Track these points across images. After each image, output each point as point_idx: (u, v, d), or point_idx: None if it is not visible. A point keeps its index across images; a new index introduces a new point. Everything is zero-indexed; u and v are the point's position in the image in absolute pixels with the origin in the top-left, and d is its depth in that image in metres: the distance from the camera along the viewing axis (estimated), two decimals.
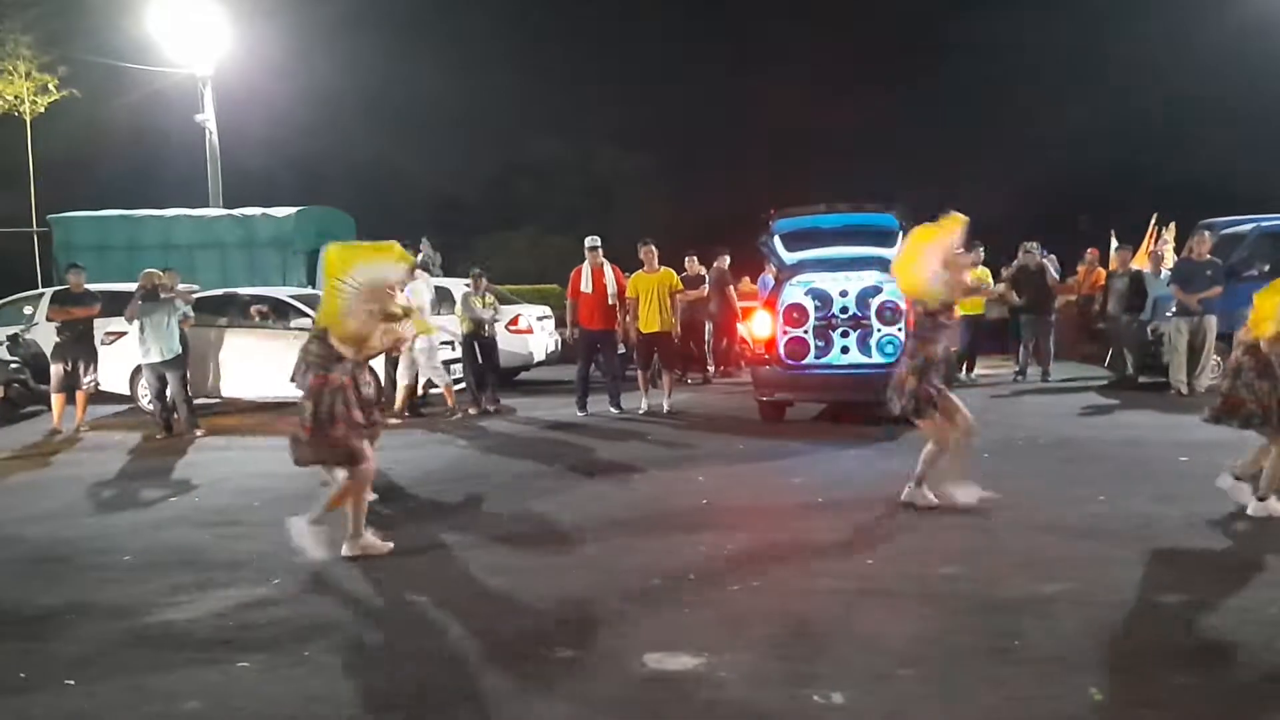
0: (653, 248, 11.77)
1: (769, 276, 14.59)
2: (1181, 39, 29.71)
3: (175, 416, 11.06)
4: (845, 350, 10.18)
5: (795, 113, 34.69)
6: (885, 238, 10.41)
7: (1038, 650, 4.37)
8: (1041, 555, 5.63)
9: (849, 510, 6.99)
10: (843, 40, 37.27)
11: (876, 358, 10.05)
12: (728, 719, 3.77)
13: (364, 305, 5.79)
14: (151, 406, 11.39)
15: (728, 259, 15.38)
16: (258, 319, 12.83)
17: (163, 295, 10.88)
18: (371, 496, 7.20)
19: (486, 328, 12.11)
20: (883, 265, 10.30)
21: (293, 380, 6.17)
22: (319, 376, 5.89)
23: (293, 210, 18.85)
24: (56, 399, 11.35)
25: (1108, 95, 33.45)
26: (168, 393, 10.99)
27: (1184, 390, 12.05)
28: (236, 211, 19.29)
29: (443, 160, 32.97)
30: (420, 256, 18.89)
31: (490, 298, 12.33)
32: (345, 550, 6.02)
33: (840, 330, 10.16)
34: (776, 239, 10.69)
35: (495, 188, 35.82)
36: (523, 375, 15.22)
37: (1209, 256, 12.13)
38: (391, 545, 6.16)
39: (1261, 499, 6.30)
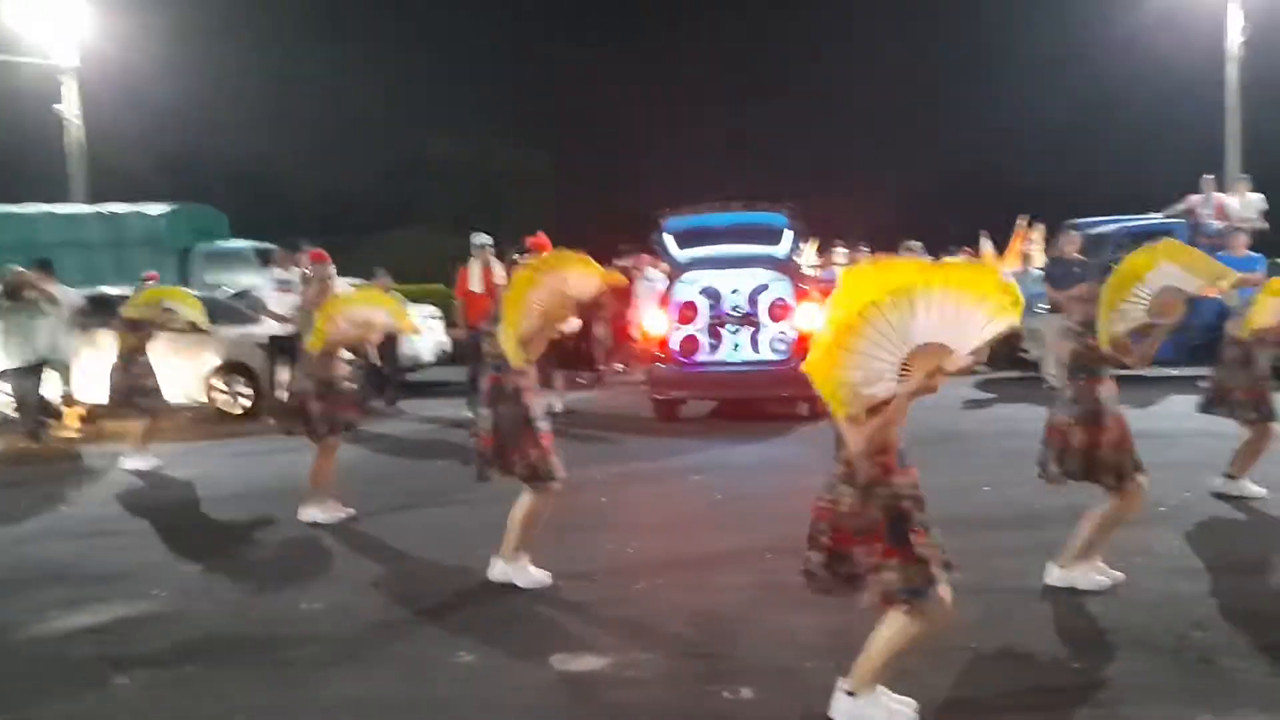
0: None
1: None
2: (1043, 52, 31.00)
3: (47, 423, 10.48)
4: (736, 347, 10.27)
5: (684, 116, 35.07)
6: (774, 236, 10.56)
7: (939, 639, 4.44)
8: None
9: (747, 506, 7.03)
10: (732, 46, 37.83)
11: (767, 354, 10.18)
12: (639, 718, 3.73)
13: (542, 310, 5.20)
14: (15, 414, 10.75)
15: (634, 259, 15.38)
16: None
17: (26, 295, 10.28)
18: (347, 513, 6.91)
19: None
20: (772, 263, 10.45)
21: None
22: (493, 376, 5.34)
23: (165, 208, 18.10)
24: None
25: (973, 104, 34.77)
26: (33, 398, 10.39)
27: (1055, 383, 12.50)
28: (104, 208, 18.42)
29: (327, 158, 32.07)
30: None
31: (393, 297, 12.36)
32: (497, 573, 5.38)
33: (731, 328, 10.25)
34: (668, 237, 10.73)
35: (382, 186, 35.09)
36: (410, 376, 14.91)
37: (1077, 255, 12.64)
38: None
39: (1232, 477, 6.75)
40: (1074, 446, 4.95)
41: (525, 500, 5.35)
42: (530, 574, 5.34)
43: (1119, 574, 5.04)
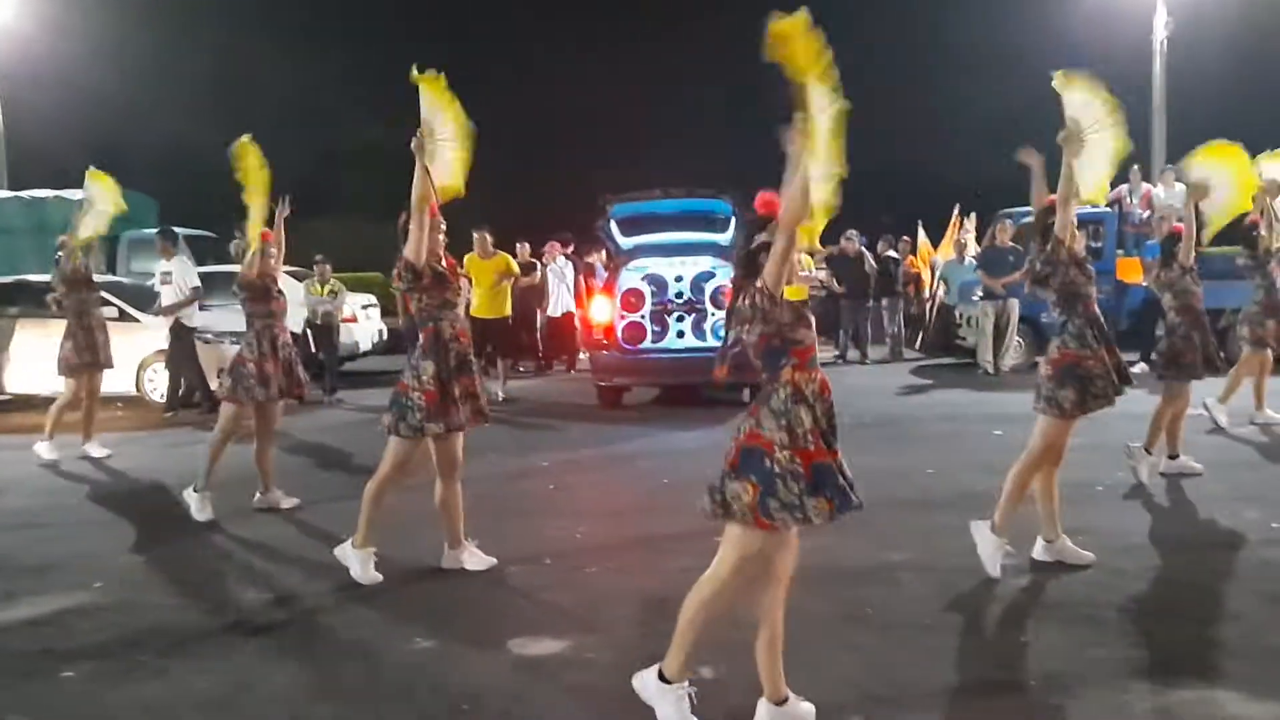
0: (486, 234, 11.62)
1: (598, 264, 14.68)
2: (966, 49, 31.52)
3: None
4: (681, 334, 10.31)
5: (618, 105, 34.96)
6: (719, 223, 10.62)
7: (890, 616, 4.54)
8: (882, 527, 5.82)
9: (694, 490, 7.00)
10: (662, 35, 37.78)
11: (711, 341, 10.23)
12: (600, 699, 3.73)
13: None
14: None
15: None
16: (55, 309, 11.86)
17: None
18: (292, 502, 6.80)
19: (319, 315, 12.11)
20: (716, 250, 10.50)
21: None
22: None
23: None
24: None
25: (904, 98, 35.20)
26: None
27: (990, 370, 12.80)
28: (25, 194, 17.84)
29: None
30: (234, 246, 17.98)
31: (333, 284, 12.56)
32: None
33: (676, 315, 10.29)
34: (613, 224, 10.73)
35: (314, 173, 34.44)
36: (348, 365, 14.71)
37: (1011, 244, 12.90)
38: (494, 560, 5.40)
39: (1174, 456, 7.04)
40: (1096, 374, 5.03)
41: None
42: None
43: (1089, 554, 5.16)
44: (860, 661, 4.05)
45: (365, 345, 14.54)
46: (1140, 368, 10.01)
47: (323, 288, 12.38)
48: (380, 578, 5.15)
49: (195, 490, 6.57)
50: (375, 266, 21.91)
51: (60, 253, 9.03)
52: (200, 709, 3.78)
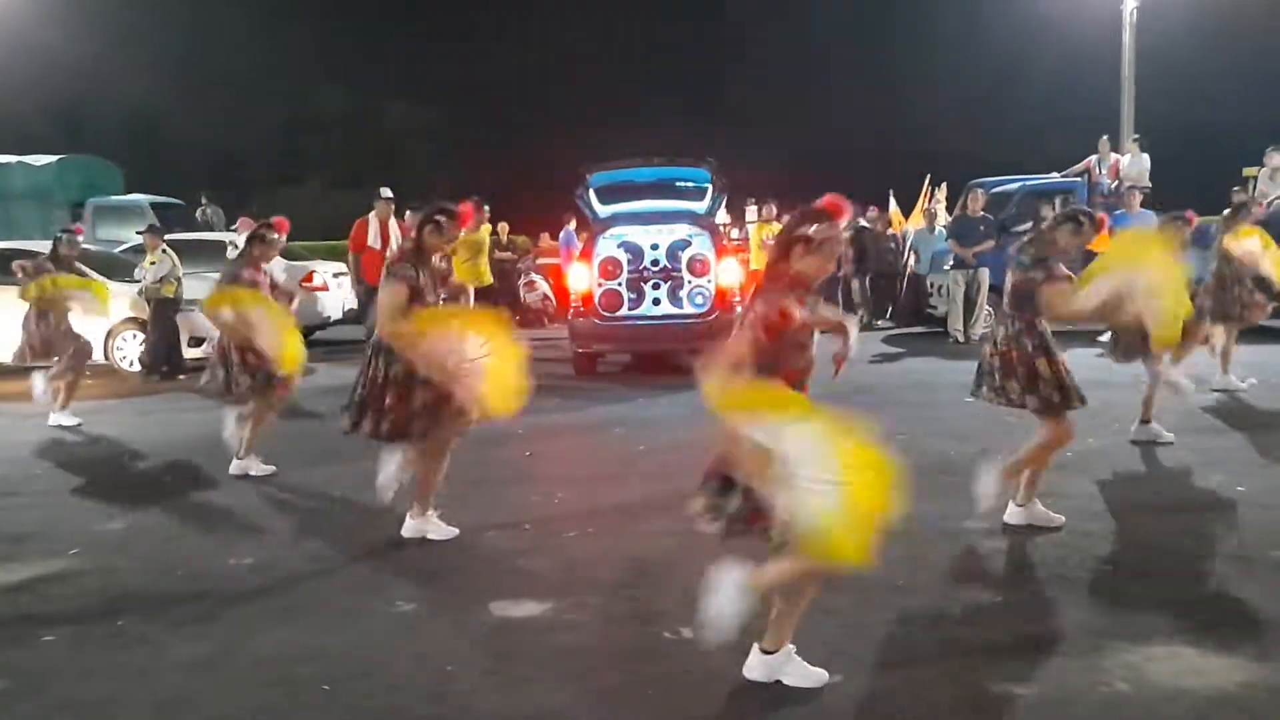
0: (483, 206, 11.63)
1: (570, 231, 14.68)
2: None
3: None
4: (657, 302, 10.35)
5: (582, 74, 34.82)
6: (697, 192, 10.65)
7: (860, 578, 4.57)
8: None
9: (670, 456, 7.10)
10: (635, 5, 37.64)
11: (687, 308, 10.30)
12: (586, 660, 3.78)
13: None
14: None
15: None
16: (21, 275, 11.67)
17: None
18: (267, 470, 6.77)
19: (146, 290, 11.35)
20: (692, 219, 10.52)
21: None
22: None
23: (53, 159, 17.32)
24: None
25: (875, 67, 35.28)
26: None
27: (961, 338, 12.91)
28: None
29: (220, 111, 30.91)
30: (200, 213, 17.78)
31: (156, 255, 11.37)
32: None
33: (652, 282, 10.31)
34: (591, 192, 10.71)
35: (277, 141, 34.04)
36: (319, 335, 14.62)
37: (982, 213, 13.00)
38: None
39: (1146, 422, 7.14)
40: (1015, 373, 5.20)
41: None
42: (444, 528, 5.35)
43: (1059, 517, 5.28)
44: (837, 623, 4.12)
45: (336, 314, 14.44)
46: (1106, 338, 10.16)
47: (147, 260, 11.30)
48: (456, 531, 5.28)
49: (239, 458, 6.67)
50: (344, 234, 21.79)
51: (63, 234, 9.11)
52: (185, 672, 3.79)
